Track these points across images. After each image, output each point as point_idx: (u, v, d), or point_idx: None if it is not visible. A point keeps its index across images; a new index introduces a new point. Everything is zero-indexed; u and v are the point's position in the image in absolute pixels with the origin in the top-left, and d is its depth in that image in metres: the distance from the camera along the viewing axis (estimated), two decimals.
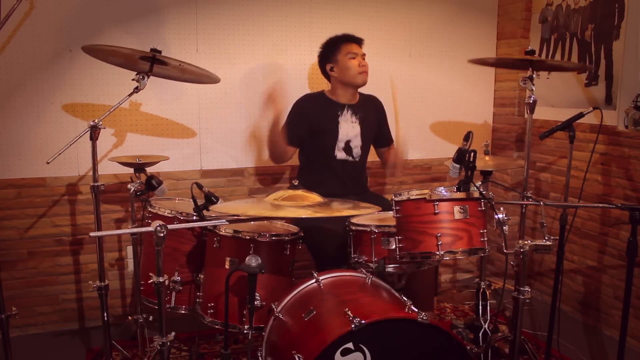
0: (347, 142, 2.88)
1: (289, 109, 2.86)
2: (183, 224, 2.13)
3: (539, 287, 3.51)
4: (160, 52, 2.25)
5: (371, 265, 2.28)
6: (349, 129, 2.88)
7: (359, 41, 2.88)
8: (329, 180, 2.81)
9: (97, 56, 2.46)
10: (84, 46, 2.29)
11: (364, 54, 2.87)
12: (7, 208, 2.90)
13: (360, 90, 2.94)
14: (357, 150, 2.90)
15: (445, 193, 1.97)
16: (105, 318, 2.41)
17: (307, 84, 3.30)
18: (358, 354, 1.70)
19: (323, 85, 3.01)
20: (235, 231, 2.17)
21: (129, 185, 2.40)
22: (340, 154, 2.88)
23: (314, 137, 2.87)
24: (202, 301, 2.26)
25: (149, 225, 1.76)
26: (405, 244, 2.04)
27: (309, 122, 2.84)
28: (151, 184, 2.42)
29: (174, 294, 2.29)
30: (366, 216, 2.44)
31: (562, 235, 2.51)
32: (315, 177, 2.82)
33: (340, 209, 2.19)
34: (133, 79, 2.28)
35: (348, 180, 2.89)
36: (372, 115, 2.98)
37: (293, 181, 2.27)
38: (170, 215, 2.34)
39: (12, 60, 2.80)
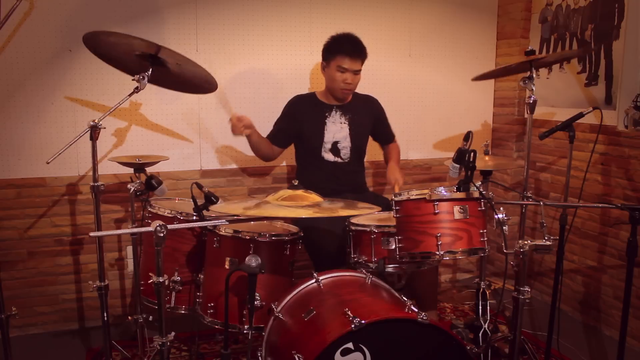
0: (335, 144, 2.88)
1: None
2: (183, 224, 2.13)
3: (539, 287, 3.51)
4: (161, 48, 2.23)
5: (371, 265, 2.28)
6: (336, 130, 2.88)
7: (358, 56, 2.76)
8: (321, 180, 2.81)
9: (98, 51, 2.40)
10: (86, 34, 2.20)
11: (359, 70, 2.79)
12: (7, 208, 2.90)
13: (357, 90, 2.92)
14: (345, 152, 2.90)
15: (445, 193, 1.97)
16: (105, 318, 2.40)
17: (309, 84, 3.30)
18: (358, 354, 1.70)
19: (323, 86, 3.01)
20: (235, 231, 2.17)
21: (128, 185, 2.39)
22: (327, 155, 2.89)
23: (302, 139, 2.89)
24: (202, 301, 2.26)
25: (149, 225, 1.76)
26: (405, 244, 2.04)
27: (298, 124, 2.87)
28: (151, 184, 2.42)
29: (174, 294, 2.29)
30: (366, 216, 2.44)
31: (562, 235, 2.51)
32: (309, 176, 2.82)
33: (340, 209, 2.19)
34: (133, 79, 2.27)
35: (340, 181, 2.88)
36: (365, 116, 2.97)
37: (293, 181, 2.27)
38: (170, 215, 2.34)
39: (12, 60, 2.80)
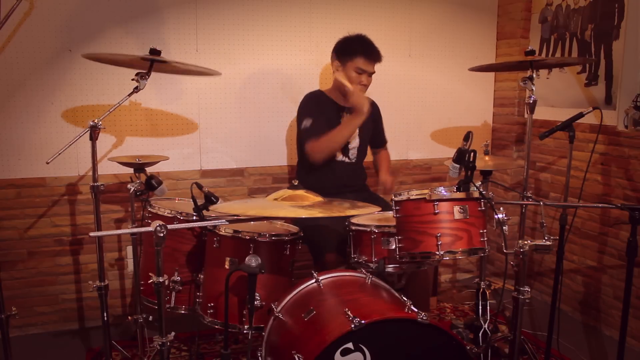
0: (346, 144, 2.89)
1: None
2: (183, 224, 2.13)
3: (539, 287, 3.51)
4: (159, 52, 2.24)
5: (371, 265, 2.28)
6: None
7: (375, 58, 2.76)
8: (326, 179, 2.81)
9: (99, 60, 2.44)
10: (85, 54, 2.27)
11: (373, 72, 2.79)
12: (7, 208, 2.90)
13: None
14: (353, 152, 2.91)
15: (445, 193, 1.97)
16: (105, 318, 2.41)
17: (309, 84, 3.30)
18: (358, 354, 1.70)
19: (326, 87, 3.00)
20: (235, 231, 2.17)
21: (128, 185, 2.40)
22: (338, 155, 2.88)
23: None
24: (202, 301, 2.25)
25: (148, 225, 1.76)
26: (405, 244, 2.04)
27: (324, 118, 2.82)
28: (151, 184, 2.42)
29: (173, 294, 2.29)
30: (366, 216, 2.44)
31: (562, 235, 2.51)
32: (313, 176, 2.82)
33: (340, 209, 2.19)
34: (133, 79, 2.27)
35: (345, 180, 2.89)
36: (369, 119, 2.96)
37: (293, 181, 2.27)
38: (170, 215, 2.34)
39: (12, 60, 2.80)
